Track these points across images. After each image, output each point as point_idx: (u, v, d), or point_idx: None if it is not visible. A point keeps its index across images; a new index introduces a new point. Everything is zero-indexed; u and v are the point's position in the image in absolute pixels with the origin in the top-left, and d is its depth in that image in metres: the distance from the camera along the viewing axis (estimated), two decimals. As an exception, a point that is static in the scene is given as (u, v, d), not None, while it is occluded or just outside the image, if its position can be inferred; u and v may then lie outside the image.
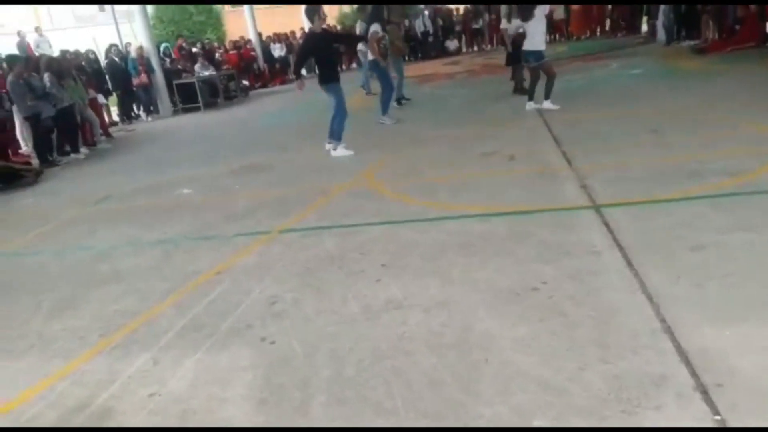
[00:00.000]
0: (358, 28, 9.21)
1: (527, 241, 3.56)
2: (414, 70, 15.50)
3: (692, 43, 12.94)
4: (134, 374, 2.65)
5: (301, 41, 7.50)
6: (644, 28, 17.05)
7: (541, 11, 7.52)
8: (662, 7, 14.18)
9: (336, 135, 6.84)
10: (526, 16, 7.57)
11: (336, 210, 4.79)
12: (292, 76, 19.09)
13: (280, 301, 3.20)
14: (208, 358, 2.71)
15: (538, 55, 7.67)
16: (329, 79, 6.77)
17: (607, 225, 3.63)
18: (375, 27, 8.31)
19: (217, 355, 2.73)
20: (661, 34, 14.38)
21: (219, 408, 2.34)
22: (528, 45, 7.71)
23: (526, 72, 8.56)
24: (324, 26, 7.18)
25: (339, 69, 7.16)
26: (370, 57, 8.37)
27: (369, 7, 9.12)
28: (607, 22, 19.19)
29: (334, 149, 6.85)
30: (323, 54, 6.86)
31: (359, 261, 3.62)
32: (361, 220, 4.41)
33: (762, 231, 3.25)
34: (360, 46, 10.31)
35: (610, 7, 18.78)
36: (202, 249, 4.28)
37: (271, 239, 4.27)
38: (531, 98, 7.95)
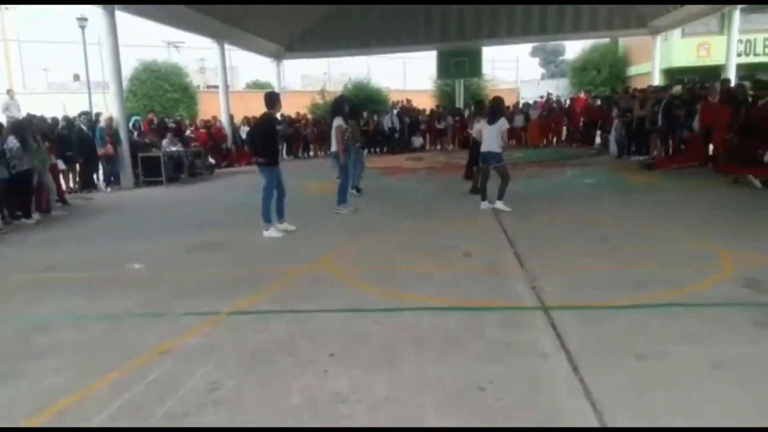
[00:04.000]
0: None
1: (478, 339, 3.59)
2: (380, 162, 15.95)
3: (641, 158, 13.75)
4: (56, 459, 2.49)
5: (259, 122, 7.79)
6: (597, 140, 18.06)
7: (502, 121, 8.03)
8: (615, 123, 15.16)
9: (266, 216, 7.12)
10: (492, 120, 8.02)
11: (290, 294, 4.74)
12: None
13: (221, 388, 3.09)
14: (139, 445, 2.57)
15: (497, 157, 8.04)
16: (274, 161, 7.22)
17: (554, 327, 3.70)
18: (338, 121, 8.62)
19: (149, 442, 2.59)
20: (612, 148, 15.27)
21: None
22: (486, 147, 8.09)
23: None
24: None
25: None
26: (333, 149, 8.66)
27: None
28: (563, 133, 20.26)
29: (266, 230, 7.09)
30: (274, 137, 7.45)
31: (308, 349, 3.56)
32: (315, 306, 4.37)
33: (704, 344, 3.36)
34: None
35: (566, 119, 19.93)
36: (146, 326, 4.14)
37: (220, 321, 4.18)
38: (484, 198, 8.23)
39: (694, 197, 8.67)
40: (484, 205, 8.14)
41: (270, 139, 7.25)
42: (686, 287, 4.43)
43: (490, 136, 8.05)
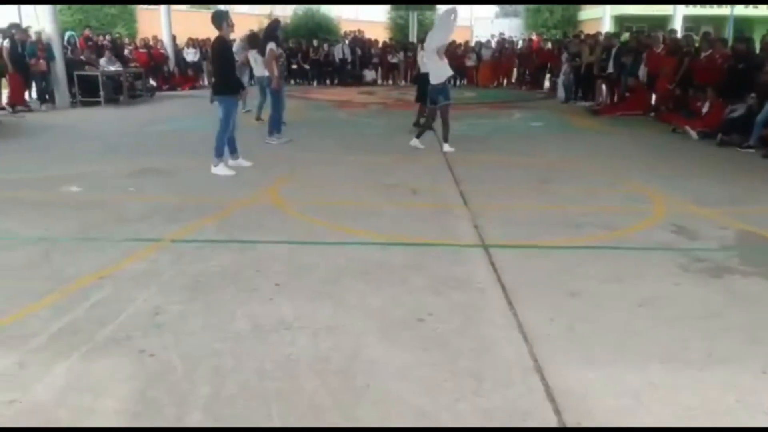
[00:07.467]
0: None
1: (420, 273, 3.69)
2: (331, 94, 15.65)
3: (587, 103, 14.02)
4: (-6, 378, 2.47)
5: (212, 48, 7.11)
6: (546, 84, 18.23)
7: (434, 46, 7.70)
8: (564, 67, 15.31)
9: (218, 151, 6.54)
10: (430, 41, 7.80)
11: (235, 223, 4.72)
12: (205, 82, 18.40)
13: (164, 313, 3.10)
14: (82, 366, 2.57)
15: (445, 91, 7.83)
16: (230, 90, 6.55)
17: (493, 264, 3.84)
18: (271, 45, 8.27)
19: (92, 363, 2.59)
20: (560, 92, 15.47)
21: (87, 420, 2.22)
22: (432, 80, 7.85)
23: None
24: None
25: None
26: (265, 74, 8.60)
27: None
28: (514, 75, 20.32)
29: (215, 165, 6.51)
30: (227, 62, 6.64)
31: (253, 278, 3.59)
32: (261, 236, 4.38)
33: (631, 283, 3.57)
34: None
35: (517, 61, 19.96)
36: (85, 251, 4.06)
37: (163, 247, 4.13)
38: (419, 136, 8.19)
39: (634, 144, 8.96)
40: (414, 143, 8.11)
41: (222, 64, 6.58)
42: (619, 230, 4.65)
43: (431, 63, 7.77)
